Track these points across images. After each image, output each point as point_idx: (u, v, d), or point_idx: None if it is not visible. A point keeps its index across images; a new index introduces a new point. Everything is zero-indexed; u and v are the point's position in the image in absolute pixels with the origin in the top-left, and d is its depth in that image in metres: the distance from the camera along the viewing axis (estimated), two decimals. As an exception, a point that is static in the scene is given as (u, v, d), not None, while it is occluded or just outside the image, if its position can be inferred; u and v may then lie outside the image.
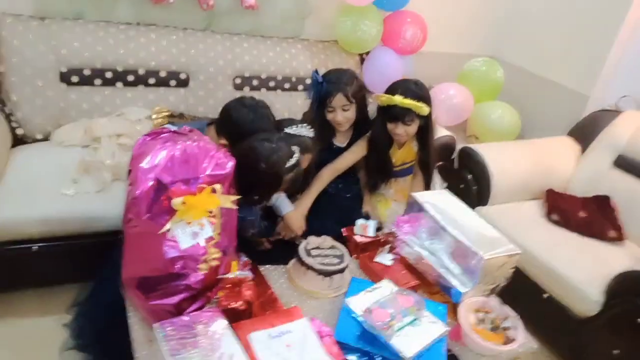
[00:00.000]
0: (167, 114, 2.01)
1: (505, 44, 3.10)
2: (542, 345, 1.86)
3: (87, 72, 2.05)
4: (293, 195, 1.78)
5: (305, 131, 1.58)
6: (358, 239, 1.67)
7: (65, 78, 2.02)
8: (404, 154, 1.96)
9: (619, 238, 2.07)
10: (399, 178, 2.01)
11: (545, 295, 1.91)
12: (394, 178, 2.00)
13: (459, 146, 2.38)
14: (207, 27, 2.34)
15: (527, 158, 2.35)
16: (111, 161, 1.79)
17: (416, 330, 1.27)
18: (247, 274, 1.26)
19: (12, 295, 1.79)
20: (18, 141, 1.94)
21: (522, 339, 1.30)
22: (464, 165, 2.34)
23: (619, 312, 1.72)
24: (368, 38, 2.49)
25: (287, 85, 2.47)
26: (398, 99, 1.75)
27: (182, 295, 1.18)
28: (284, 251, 1.63)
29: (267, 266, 1.53)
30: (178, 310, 1.19)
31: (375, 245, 1.66)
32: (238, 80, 2.35)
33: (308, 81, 2.29)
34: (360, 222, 1.72)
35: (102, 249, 1.45)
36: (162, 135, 1.26)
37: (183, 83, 2.24)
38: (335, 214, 1.88)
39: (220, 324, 1.13)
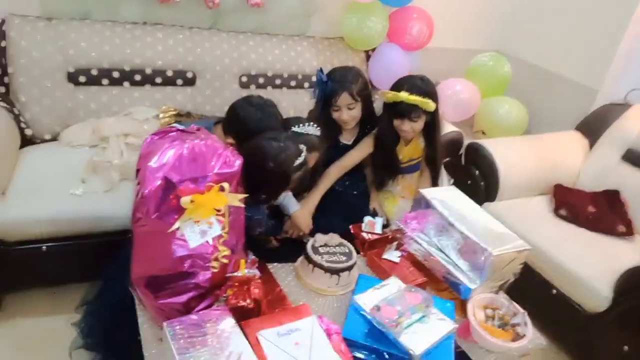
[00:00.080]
0: (174, 113, 2.01)
1: (512, 39, 3.08)
2: (550, 342, 1.86)
3: (94, 72, 2.06)
4: (300, 194, 1.78)
5: (312, 129, 1.58)
6: (365, 236, 1.67)
7: (72, 78, 2.03)
8: (410, 150, 1.95)
9: (628, 233, 2.05)
10: (406, 175, 2.01)
11: (553, 291, 1.90)
12: (401, 175, 2.00)
13: (466, 142, 2.37)
14: (213, 26, 2.35)
15: (535, 153, 2.34)
16: (119, 161, 1.79)
17: (424, 327, 1.27)
18: (255, 272, 1.26)
19: (22, 295, 1.81)
20: (27, 142, 1.95)
21: (531, 335, 1.30)
22: (471, 161, 2.33)
23: (628, 308, 1.71)
24: (374, 34, 2.48)
25: (293, 83, 2.47)
26: (404, 96, 1.75)
27: (190, 294, 1.19)
28: (292, 249, 1.63)
29: (274, 264, 1.53)
30: (187, 308, 1.19)
31: (382, 242, 1.66)
32: (244, 79, 2.35)
33: (314, 78, 2.29)
34: (367, 219, 1.72)
35: (111, 249, 1.46)
36: (169, 134, 1.26)
37: (190, 82, 2.24)
38: (342, 211, 1.88)
39: (229, 323, 1.13)
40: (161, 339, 1.15)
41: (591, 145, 2.43)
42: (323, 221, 1.79)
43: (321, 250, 1.49)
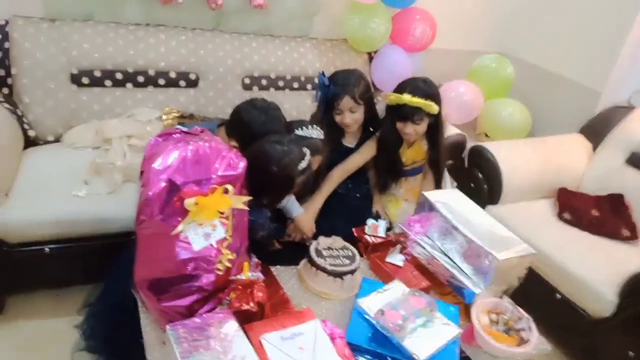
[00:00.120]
0: (177, 115, 2.01)
1: (515, 40, 3.07)
2: (554, 347, 1.84)
3: (97, 74, 2.06)
4: (303, 197, 1.77)
5: (316, 132, 1.58)
6: (369, 239, 1.66)
7: (76, 79, 2.03)
8: (413, 153, 1.94)
9: (632, 237, 2.04)
10: (409, 177, 2.00)
11: (557, 296, 1.89)
12: (404, 177, 1.99)
13: (469, 144, 2.36)
14: (215, 27, 2.34)
15: (539, 156, 2.33)
16: (122, 162, 1.79)
17: (429, 331, 1.26)
18: (259, 275, 1.25)
19: (25, 297, 1.80)
20: (30, 143, 1.94)
21: (536, 340, 1.29)
22: (474, 163, 2.32)
23: (633, 313, 1.69)
24: (377, 36, 2.48)
25: (295, 85, 2.46)
26: (407, 98, 1.74)
27: (194, 297, 1.18)
28: (294, 252, 1.63)
29: (277, 267, 1.52)
30: (190, 312, 1.19)
31: (386, 245, 1.66)
32: (247, 80, 2.35)
33: (317, 80, 2.29)
34: (370, 222, 1.72)
35: (114, 251, 1.46)
36: (173, 136, 1.26)
37: (192, 83, 2.24)
38: (345, 213, 1.87)
39: (232, 326, 1.13)
40: (164, 341, 1.15)
41: (595, 148, 2.42)
42: (326, 224, 1.79)
43: (324, 253, 1.48)
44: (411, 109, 1.76)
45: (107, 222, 1.69)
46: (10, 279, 1.69)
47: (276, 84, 2.42)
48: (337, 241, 1.55)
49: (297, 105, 2.44)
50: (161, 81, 2.18)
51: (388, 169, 1.95)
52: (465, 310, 1.40)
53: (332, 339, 1.19)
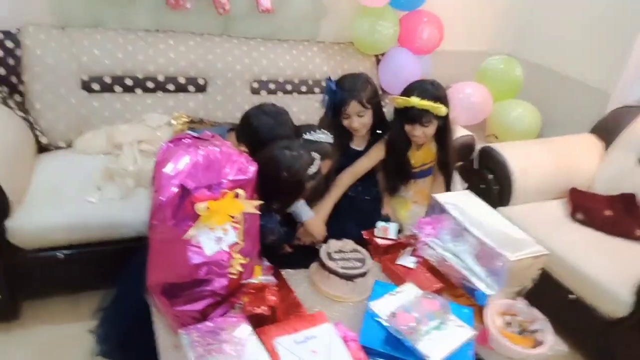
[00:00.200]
0: (186, 120, 2.02)
1: (523, 41, 3.06)
2: (569, 348, 1.82)
3: (107, 80, 2.08)
4: (312, 201, 1.77)
5: (325, 137, 1.58)
6: (379, 241, 1.66)
7: (86, 86, 2.05)
8: (422, 155, 1.94)
9: (646, 237, 2.02)
10: (419, 179, 2.00)
11: (572, 297, 1.87)
12: (414, 180, 1.98)
13: (478, 146, 2.35)
14: (223, 32, 2.36)
15: (549, 156, 2.31)
16: (133, 168, 1.80)
17: (442, 334, 1.25)
18: (271, 279, 1.25)
19: (40, 302, 1.81)
20: (42, 149, 1.97)
21: (551, 342, 1.28)
22: (484, 165, 2.31)
23: (649, 314, 1.67)
24: (384, 39, 2.48)
25: (303, 88, 2.47)
26: (415, 101, 1.74)
27: (207, 301, 1.18)
28: (305, 255, 1.62)
29: (288, 270, 1.52)
30: (203, 316, 1.19)
31: (396, 247, 1.65)
32: (255, 85, 2.36)
33: (324, 83, 2.30)
34: (380, 224, 1.71)
35: (127, 255, 1.46)
36: (184, 141, 1.27)
37: (201, 88, 2.26)
38: (354, 216, 1.87)
39: (245, 330, 1.13)
40: (177, 346, 1.15)
41: (607, 148, 2.40)
42: (336, 227, 1.79)
43: (335, 256, 1.48)
44: (419, 112, 1.76)
45: (119, 227, 1.71)
46: (25, 285, 1.71)
47: (284, 88, 2.43)
48: (347, 244, 1.54)
49: (305, 109, 2.45)
50: (170, 86, 2.19)
51: (397, 172, 1.95)
52: (479, 312, 1.38)
53: (346, 342, 1.18)
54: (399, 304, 1.30)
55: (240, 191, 1.20)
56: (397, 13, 2.51)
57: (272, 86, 2.39)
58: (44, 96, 1.97)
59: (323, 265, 1.45)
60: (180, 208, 1.15)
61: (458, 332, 1.27)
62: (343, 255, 1.49)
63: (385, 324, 1.26)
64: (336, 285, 1.43)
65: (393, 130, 1.89)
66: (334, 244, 1.52)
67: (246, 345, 1.09)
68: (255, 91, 2.36)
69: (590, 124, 2.52)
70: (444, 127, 1.85)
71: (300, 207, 1.71)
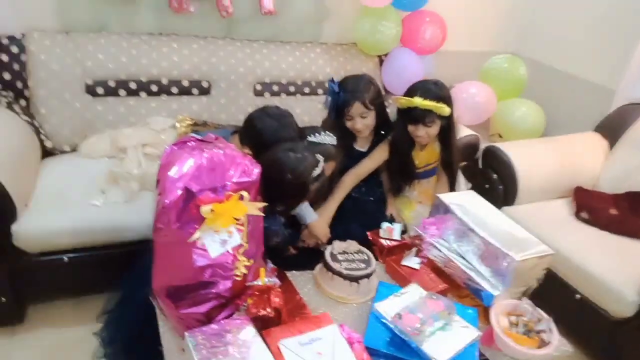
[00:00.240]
0: (190, 123, 2.03)
1: (527, 40, 3.05)
2: (575, 348, 1.81)
3: (111, 84, 2.09)
4: (316, 203, 1.77)
5: (328, 139, 1.58)
6: (384, 242, 1.66)
7: (90, 90, 2.06)
8: (426, 155, 1.94)
9: (652, 236, 2.01)
10: (423, 180, 1.99)
11: (577, 297, 1.86)
12: (418, 180, 1.98)
13: (482, 145, 2.34)
14: (227, 35, 2.37)
15: (554, 155, 2.30)
16: (138, 171, 1.81)
17: (447, 335, 1.25)
18: (275, 280, 1.25)
19: (46, 306, 1.82)
20: (46, 153, 1.98)
21: (557, 342, 1.27)
22: (488, 164, 2.30)
23: (656, 313, 1.66)
24: (387, 39, 2.48)
25: (306, 90, 2.47)
26: (418, 101, 1.74)
27: (211, 304, 1.19)
28: (309, 256, 1.63)
29: (292, 272, 1.52)
30: (208, 318, 1.19)
31: (401, 248, 1.65)
32: (259, 87, 2.37)
33: (327, 85, 2.31)
34: (385, 225, 1.71)
35: (131, 258, 1.47)
36: (188, 144, 1.27)
37: (205, 91, 2.26)
38: (359, 217, 1.87)
39: (250, 332, 1.13)
40: (183, 348, 1.15)
41: (611, 146, 2.39)
42: (340, 228, 1.79)
43: (340, 257, 1.48)
44: (422, 112, 1.76)
45: (124, 230, 1.71)
46: (30, 288, 1.72)
47: (287, 90, 2.43)
48: (352, 245, 1.54)
49: (309, 110, 2.45)
50: (174, 90, 2.20)
51: (401, 172, 1.95)
52: (484, 313, 1.38)
53: (350, 343, 1.18)
54: (404, 305, 1.30)
55: (244, 193, 1.20)
56: (400, 13, 2.51)
57: (275, 88, 2.40)
58: (49, 101, 1.99)
59: (327, 267, 1.45)
60: (185, 211, 1.15)
61: (463, 332, 1.27)
62: (347, 257, 1.49)
63: (390, 325, 1.26)
64: (341, 287, 1.43)
65: (396, 130, 1.89)
66: (338, 246, 1.53)
67: (251, 348, 1.09)
68: (258, 93, 2.37)
69: (595, 122, 2.52)
70: (447, 127, 1.85)
71: (304, 209, 1.71)
